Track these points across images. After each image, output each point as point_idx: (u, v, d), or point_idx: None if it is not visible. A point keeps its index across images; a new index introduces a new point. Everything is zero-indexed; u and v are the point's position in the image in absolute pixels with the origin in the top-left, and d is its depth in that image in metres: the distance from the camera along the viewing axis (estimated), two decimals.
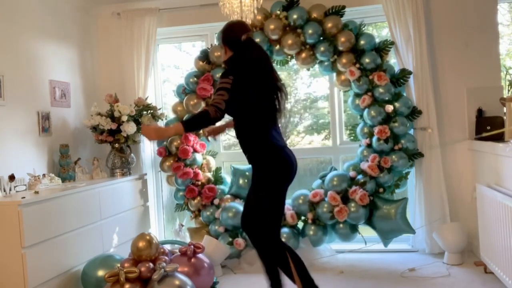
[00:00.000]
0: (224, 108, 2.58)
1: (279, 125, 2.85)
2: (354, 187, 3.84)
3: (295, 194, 4.06)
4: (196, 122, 2.65)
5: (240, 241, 3.92)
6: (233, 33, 2.77)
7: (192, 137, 4.13)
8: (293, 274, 2.67)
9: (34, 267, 2.77)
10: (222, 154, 4.50)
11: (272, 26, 3.95)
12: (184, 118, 2.65)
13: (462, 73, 3.95)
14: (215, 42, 4.23)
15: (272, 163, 2.71)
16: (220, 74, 2.82)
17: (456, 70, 3.96)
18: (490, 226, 3.17)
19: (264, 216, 2.75)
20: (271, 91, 2.75)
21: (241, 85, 2.64)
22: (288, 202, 4.07)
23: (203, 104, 4.14)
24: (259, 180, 2.75)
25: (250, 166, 2.85)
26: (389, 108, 3.80)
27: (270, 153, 2.72)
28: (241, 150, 2.87)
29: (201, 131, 4.00)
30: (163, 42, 4.61)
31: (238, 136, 2.82)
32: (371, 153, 3.85)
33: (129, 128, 3.89)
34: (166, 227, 4.64)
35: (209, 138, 3.00)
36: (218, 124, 2.83)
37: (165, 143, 4.20)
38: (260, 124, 2.73)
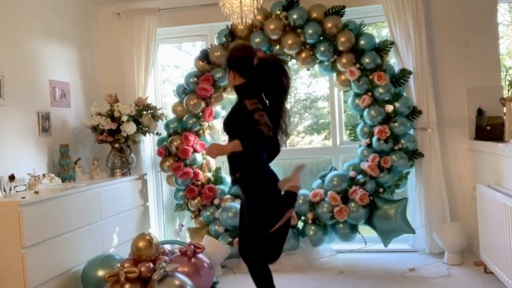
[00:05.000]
0: (271, 127, 2.57)
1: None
2: (354, 187, 3.84)
3: None
4: (254, 140, 2.58)
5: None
6: (243, 61, 2.71)
7: (192, 137, 4.14)
8: None
9: (34, 267, 2.77)
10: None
11: (272, 26, 3.95)
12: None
13: (462, 73, 3.95)
14: (215, 42, 4.23)
15: (264, 182, 2.68)
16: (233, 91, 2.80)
17: (456, 70, 3.96)
18: (490, 226, 3.17)
19: (265, 233, 2.65)
20: (280, 116, 2.76)
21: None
22: None
23: (203, 104, 4.14)
24: (255, 197, 2.67)
25: None
26: (389, 108, 3.80)
27: (262, 173, 2.70)
28: None
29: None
30: (163, 42, 4.61)
31: (232, 155, 2.73)
32: (371, 153, 3.85)
33: (129, 128, 3.89)
34: (166, 227, 4.64)
35: None
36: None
37: (165, 143, 4.21)
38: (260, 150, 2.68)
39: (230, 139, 2.75)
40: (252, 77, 2.71)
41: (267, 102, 2.77)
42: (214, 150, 2.65)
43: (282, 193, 2.75)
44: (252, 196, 2.67)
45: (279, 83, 2.75)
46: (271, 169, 2.76)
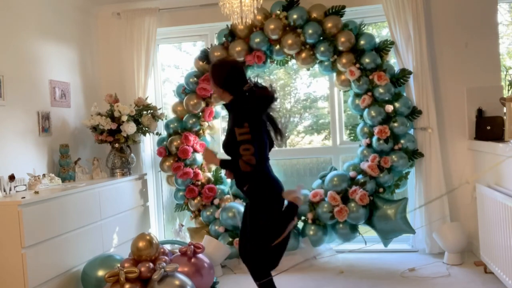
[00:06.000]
0: (254, 163, 2.59)
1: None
2: (354, 187, 3.84)
3: None
4: (230, 166, 2.75)
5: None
6: (233, 81, 2.72)
7: (192, 137, 4.14)
8: None
9: (34, 267, 2.77)
10: (222, 154, 4.49)
11: (272, 26, 3.95)
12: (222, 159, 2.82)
13: (462, 73, 3.95)
14: (215, 42, 4.23)
15: (271, 195, 2.73)
16: (228, 118, 2.82)
17: (456, 70, 3.96)
18: (490, 226, 3.17)
19: (266, 246, 2.71)
20: (270, 125, 2.81)
21: (252, 128, 2.62)
22: None
23: (203, 104, 4.14)
24: (260, 212, 2.72)
25: None
26: (389, 108, 3.80)
27: (268, 185, 2.74)
28: None
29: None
30: (163, 42, 4.61)
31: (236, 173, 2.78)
32: (371, 153, 3.85)
33: (129, 128, 3.89)
34: (166, 227, 4.64)
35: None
36: None
37: (165, 143, 4.21)
38: (260, 160, 2.70)
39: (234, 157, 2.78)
40: (240, 93, 2.71)
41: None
42: (208, 158, 2.92)
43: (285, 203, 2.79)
44: (258, 211, 2.71)
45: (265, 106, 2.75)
46: (276, 180, 2.79)
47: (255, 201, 2.75)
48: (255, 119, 2.66)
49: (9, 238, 2.72)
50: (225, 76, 2.72)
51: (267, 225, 2.69)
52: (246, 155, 2.58)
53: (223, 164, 2.79)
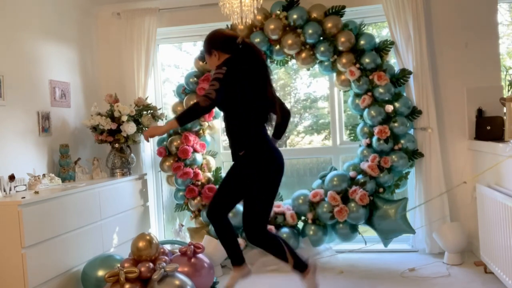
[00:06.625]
0: (214, 97, 2.59)
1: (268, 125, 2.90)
2: (354, 187, 3.84)
3: (295, 194, 4.06)
4: (188, 114, 2.71)
5: (240, 241, 3.91)
6: (226, 38, 2.81)
7: (192, 137, 4.14)
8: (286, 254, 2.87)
9: (34, 267, 2.77)
10: (222, 154, 4.50)
11: (272, 26, 3.95)
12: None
13: (462, 73, 3.95)
14: None
15: (267, 157, 2.74)
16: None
17: (456, 70, 3.96)
18: (490, 226, 3.17)
19: (267, 209, 2.79)
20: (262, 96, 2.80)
21: (235, 78, 2.65)
22: (288, 202, 4.07)
23: None
24: (258, 176, 2.74)
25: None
26: (389, 108, 3.80)
27: (264, 146, 2.75)
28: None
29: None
30: (163, 42, 4.61)
31: (229, 130, 2.83)
32: (371, 153, 3.85)
33: (129, 128, 3.89)
34: (166, 227, 4.64)
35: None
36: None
37: (165, 143, 4.21)
38: (252, 118, 2.74)
39: (226, 115, 2.85)
40: (236, 52, 2.76)
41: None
42: (147, 132, 2.78)
43: None
44: (261, 172, 2.73)
45: (258, 64, 2.79)
46: (276, 149, 2.82)
47: (252, 166, 2.74)
48: (237, 70, 2.68)
49: (9, 238, 2.72)
50: (223, 38, 2.80)
51: (272, 184, 2.75)
52: (208, 89, 2.59)
53: (180, 118, 2.67)
